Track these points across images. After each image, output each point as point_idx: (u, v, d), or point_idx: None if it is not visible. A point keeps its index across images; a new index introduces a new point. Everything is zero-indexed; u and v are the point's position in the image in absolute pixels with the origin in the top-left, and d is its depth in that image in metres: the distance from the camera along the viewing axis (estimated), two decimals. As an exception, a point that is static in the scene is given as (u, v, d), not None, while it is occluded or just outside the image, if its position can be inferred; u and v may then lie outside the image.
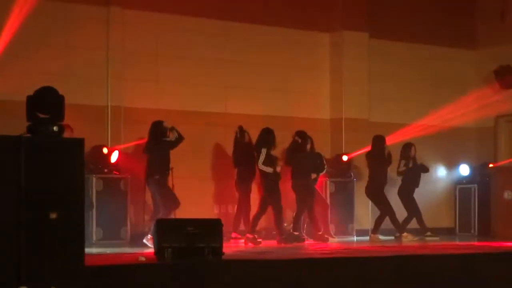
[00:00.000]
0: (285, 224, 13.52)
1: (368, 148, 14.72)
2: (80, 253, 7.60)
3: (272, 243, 13.11)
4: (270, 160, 13.16)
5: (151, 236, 11.76)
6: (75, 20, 13.71)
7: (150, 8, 14.38)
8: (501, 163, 16.78)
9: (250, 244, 12.93)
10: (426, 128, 16.72)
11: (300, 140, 13.70)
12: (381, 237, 14.25)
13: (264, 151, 13.10)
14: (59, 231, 7.47)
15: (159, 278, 8.24)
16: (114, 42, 14.03)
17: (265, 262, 9.41)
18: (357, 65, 16.32)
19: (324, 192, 15.04)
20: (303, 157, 13.74)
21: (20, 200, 7.34)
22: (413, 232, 14.70)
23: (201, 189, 14.37)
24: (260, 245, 12.82)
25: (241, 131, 13.72)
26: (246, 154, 13.59)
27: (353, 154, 15.81)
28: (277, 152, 13.63)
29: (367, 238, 14.61)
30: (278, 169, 13.27)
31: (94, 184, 13.20)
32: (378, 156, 14.39)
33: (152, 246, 11.07)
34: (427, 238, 14.63)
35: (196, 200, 13.81)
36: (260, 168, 13.12)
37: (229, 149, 14.20)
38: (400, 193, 14.78)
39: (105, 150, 13.56)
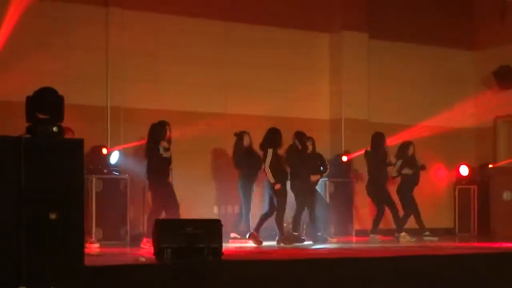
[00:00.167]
0: (285, 225, 13.51)
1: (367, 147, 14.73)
2: (80, 253, 7.61)
3: (272, 243, 13.10)
4: (278, 165, 13.04)
5: (147, 239, 11.79)
6: (74, 20, 13.71)
7: (149, 9, 14.39)
8: (501, 163, 16.80)
9: (251, 241, 12.95)
10: (425, 129, 16.73)
11: (300, 146, 13.65)
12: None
13: (270, 151, 13.01)
14: (59, 231, 7.48)
15: (159, 278, 8.24)
16: (113, 43, 14.04)
17: (265, 262, 9.41)
18: (356, 65, 16.33)
19: (324, 193, 15.03)
20: (303, 158, 13.73)
21: (20, 200, 7.35)
22: (412, 232, 14.71)
23: (201, 189, 14.37)
24: (261, 245, 12.84)
25: (240, 135, 13.69)
26: (248, 155, 13.56)
27: (353, 155, 15.83)
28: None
29: (367, 238, 14.60)
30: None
31: (94, 185, 13.20)
32: (377, 154, 14.38)
33: (148, 247, 11.11)
34: (425, 238, 14.63)
35: (196, 200, 13.81)
36: (266, 170, 13.03)
37: (229, 149, 14.21)
38: (399, 191, 14.76)
39: (104, 151, 13.57)
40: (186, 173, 13.26)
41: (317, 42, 16.31)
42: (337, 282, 9.09)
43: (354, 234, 15.41)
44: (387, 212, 14.52)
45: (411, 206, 14.67)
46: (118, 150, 13.75)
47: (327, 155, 15.33)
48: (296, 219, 13.53)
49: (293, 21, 15.83)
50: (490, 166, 16.75)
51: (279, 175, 12.98)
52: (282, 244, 12.87)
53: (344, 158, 15.58)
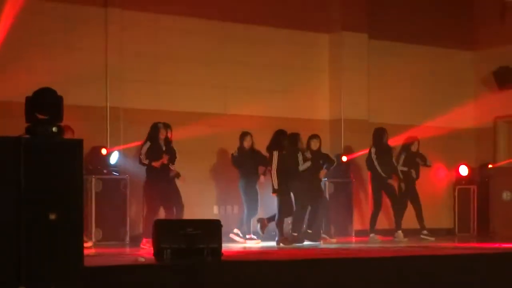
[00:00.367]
0: (284, 225, 13.50)
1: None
2: (79, 253, 7.61)
3: (272, 243, 13.10)
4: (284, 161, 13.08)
5: (146, 239, 11.80)
6: (73, 21, 13.71)
7: (148, 9, 14.39)
8: (500, 163, 16.80)
9: (252, 237, 13.17)
10: (425, 129, 16.72)
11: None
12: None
13: (275, 154, 12.98)
14: (59, 231, 7.48)
15: (158, 278, 8.23)
16: (113, 43, 14.03)
17: (264, 263, 9.40)
18: (356, 65, 16.33)
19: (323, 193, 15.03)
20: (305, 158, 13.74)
21: (19, 200, 7.35)
22: (411, 232, 14.73)
23: (200, 189, 14.37)
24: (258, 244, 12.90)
25: (241, 136, 13.67)
26: (249, 156, 13.55)
27: (353, 155, 15.83)
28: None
29: (366, 238, 14.59)
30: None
31: (93, 185, 13.20)
32: (380, 148, 14.37)
33: (148, 248, 11.12)
34: (422, 237, 14.63)
35: (196, 200, 13.81)
36: (272, 175, 12.99)
37: (229, 149, 14.21)
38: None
39: (104, 151, 13.56)
40: (185, 173, 13.25)
41: (317, 42, 16.30)
42: (337, 282, 9.09)
43: (353, 234, 15.41)
44: (386, 212, 14.56)
45: (398, 204, 14.65)
46: (118, 150, 13.75)
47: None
48: (296, 219, 13.52)
49: (293, 21, 15.83)
50: (490, 166, 16.76)
51: (284, 178, 12.97)
52: (281, 245, 12.86)
53: (344, 159, 15.58)
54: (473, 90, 17.83)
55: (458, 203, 17.10)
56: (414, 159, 14.88)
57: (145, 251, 10.88)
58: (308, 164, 13.48)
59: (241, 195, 13.69)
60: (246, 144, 13.64)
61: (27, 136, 7.59)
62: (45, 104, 7.65)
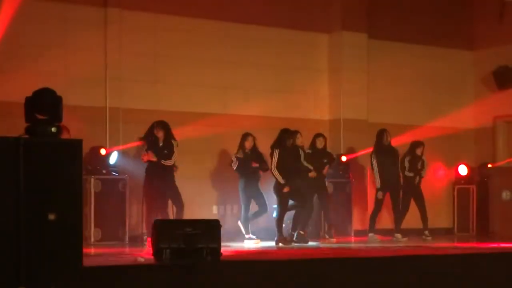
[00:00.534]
0: (284, 225, 13.50)
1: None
2: (79, 253, 7.62)
3: (271, 243, 13.10)
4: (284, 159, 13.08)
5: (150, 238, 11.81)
6: (73, 21, 13.71)
7: (148, 9, 14.38)
8: (500, 163, 16.80)
9: (251, 237, 13.28)
10: (424, 129, 16.73)
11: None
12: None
13: (276, 152, 12.99)
14: (58, 231, 7.49)
15: (158, 279, 8.24)
16: (112, 43, 14.02)
17: (263, 263, 9.41)
18: (356, 65, 16.32)
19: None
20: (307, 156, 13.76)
21: (19, 201, 7.36)
22: (411, 231, 14.74)
23: (200, 189, 14.37)
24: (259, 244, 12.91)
25: (243, 136, 13.66)
26: (249, 156, 13.55)
27: (352, 155, 15.83)
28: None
29: (365, 238, 14.60)
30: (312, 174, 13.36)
31: (92, 185, 13.20)
32: (380, 150, 14.38)
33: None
34: (424, 238, 14.65)
35: (195, 200, 13.81)
36: (273, 172, 13.01)
37: (228, 149, 14.21)
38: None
39: (103, 151, 13.56)
40: (185, 173, 13.27)
41: (316, 42, 16.30)
42: (336, 282, 9.09)
43: (353, 234, 15.41)
44: (387, 212, 14.56)
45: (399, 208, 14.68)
46: (117, 150, 13.76)
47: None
48: (295, 219, 13.51)
49: (292, 21, 15.82)
50: (489, 166, 16.75)
51: (287, 175, 12.98)
52: (280, 245, 12.86)
53: (343, 158, 15.58)
54: (472, 89, 17.83)
55: (457, 202, 17.11)
56: (417, 163, 14.87)
57: (147, 250, 10.88)
58: (309, 167, 13.49)
59: (239, 195, 13.72)
60: (248, 144, 13.64)
61: (27, 136, 7.60)
62: (44, 104, 7.66)
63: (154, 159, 12.76)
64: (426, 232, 14.76)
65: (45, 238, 7.44)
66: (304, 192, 13.31)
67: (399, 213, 14.56)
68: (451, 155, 17.28)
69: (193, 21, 14.83)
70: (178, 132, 13.26)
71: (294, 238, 13.22)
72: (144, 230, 13.10)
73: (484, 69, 17.44)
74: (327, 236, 14.37)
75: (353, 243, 14.13)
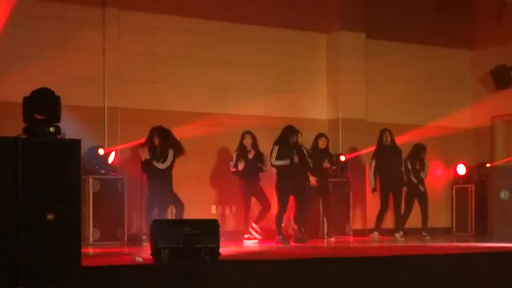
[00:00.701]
0: (283, 225, 13.51)
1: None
2: (77, 253, 7.61)
3: (270, 243, 13.11)
4: (283, 153, 13.04)
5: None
6: (71, 21, 13.70)
7: (146, 9, 14.37)
8: (498, 163, 16.80)
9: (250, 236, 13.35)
10: (423, 128, 16.73)
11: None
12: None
13: (276, 148, 13.04)
14: (57, 232, 7.48)
15: (156, 279, 8.24)
16: (110, 43, 14.01)
17: (263, 263, 9.41)
18: (354, 65, 16.32)
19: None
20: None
21: (17, 201, 7.35)
22: (411, 231, 14.73)
23: (199, 189, 14.37)
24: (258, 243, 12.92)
25: (242, 135, 13.66)
26: (247, 155, 13.55)
27: (351, 155, 15.83)
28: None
29: (364, 237, 14.61)
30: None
31: (91, 185, 13.19)
32: (380, 151, 14.38)
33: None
34: (423, 237, 14.67)
35: (194, 200, 13.79)
36: (274, 164, 13.02)
37: (227, 149, 14.20)
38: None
39: (101, 151, 13.56)
40: (184, 173, 13.27)
41: (315, 42, 16.29)
42: (336, 282, 9.09)
43: (351, 233, 15.40)
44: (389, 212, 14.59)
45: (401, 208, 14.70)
46: (115, 150, 13.75)
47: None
48: (295, 219, 13.51)
49: (291, 21, 15.82)
50: (488, 165, 16.75)
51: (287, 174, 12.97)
52: (280, 244, 12.86)
53: (342, 158, 15.57)
54: (471, 89, 17.83)
55: (455, 202, 17.10)
56: (421, 165, 14.89)
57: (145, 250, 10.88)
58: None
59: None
60: (246, 142, 13.64)
61: (25, 136, 7.59)
62: (42, 104, 7.66)
63: (147, 156, 12.73)
64: (424, 233, 14.78)
65: (44, 238, 7.43)
66: (304, 190, 13.34)
67: (400, 214, 14.55)
68: (450, 154, 17.28)
69: (192, 21, 14.83)
70: (178, 132, 13.24)
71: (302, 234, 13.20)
72: (143, 230, 13.10)
73: (483, 69, 17.44)
74: (326, 236, 14.37)
75: (351, 242, 14.13)
